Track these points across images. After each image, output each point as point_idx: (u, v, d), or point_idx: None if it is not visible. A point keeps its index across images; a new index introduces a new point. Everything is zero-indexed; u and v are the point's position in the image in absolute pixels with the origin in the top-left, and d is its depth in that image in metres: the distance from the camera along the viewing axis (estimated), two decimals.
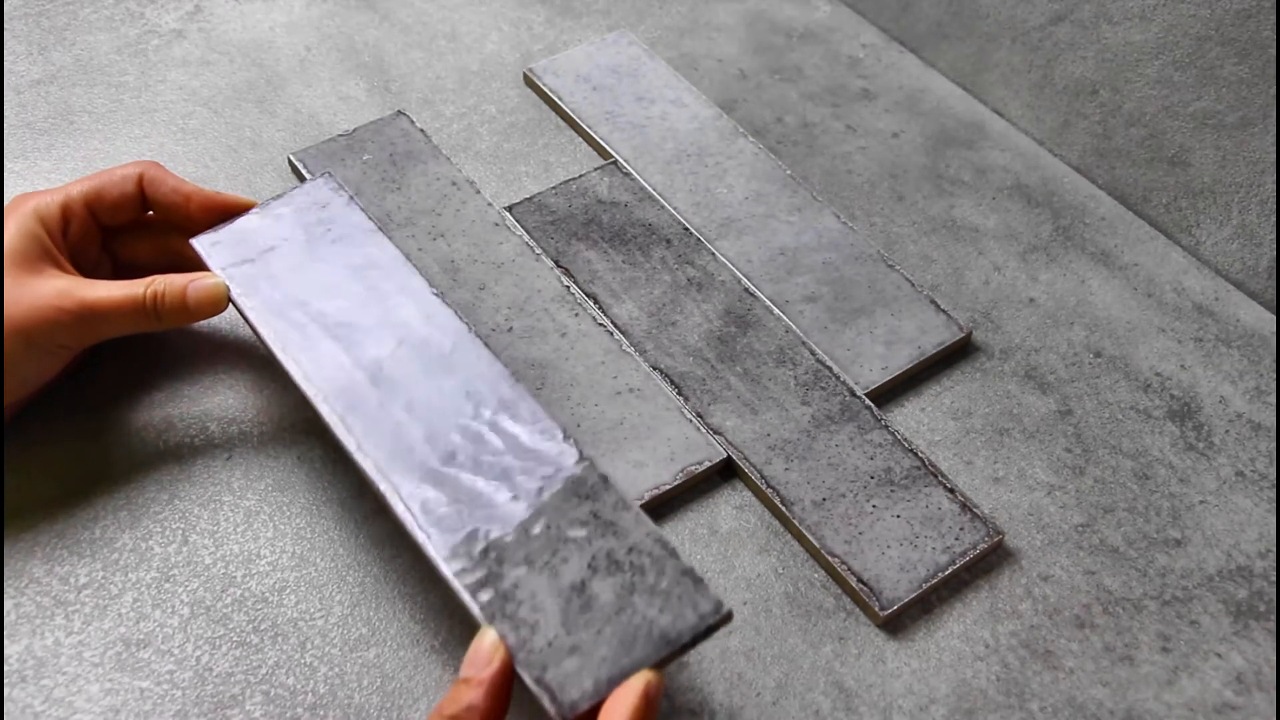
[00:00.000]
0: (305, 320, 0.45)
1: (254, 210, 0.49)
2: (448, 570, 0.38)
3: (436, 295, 0.45)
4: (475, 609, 0.37)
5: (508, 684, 0.36)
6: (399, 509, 0.40)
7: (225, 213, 0.48)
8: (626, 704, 0.35)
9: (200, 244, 0.47)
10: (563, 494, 0.40)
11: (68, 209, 0.46)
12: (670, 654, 0.37)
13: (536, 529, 0.39)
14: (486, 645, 0.37)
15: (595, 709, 0.36)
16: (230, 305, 0.46)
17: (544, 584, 0.38)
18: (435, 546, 0.39)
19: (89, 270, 0.48)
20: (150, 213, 0.50)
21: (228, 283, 0.46)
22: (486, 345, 0.44)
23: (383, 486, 0.40)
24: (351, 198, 0.49)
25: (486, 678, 0.36)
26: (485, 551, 0.38)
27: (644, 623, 0.37)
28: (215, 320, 0.53)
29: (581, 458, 0.40)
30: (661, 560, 0.38)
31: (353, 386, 0.43)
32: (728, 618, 0.37)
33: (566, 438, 0.41)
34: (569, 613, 0.37)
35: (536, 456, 0.41)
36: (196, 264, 0.48)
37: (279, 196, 0.49)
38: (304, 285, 0.46)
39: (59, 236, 0.46)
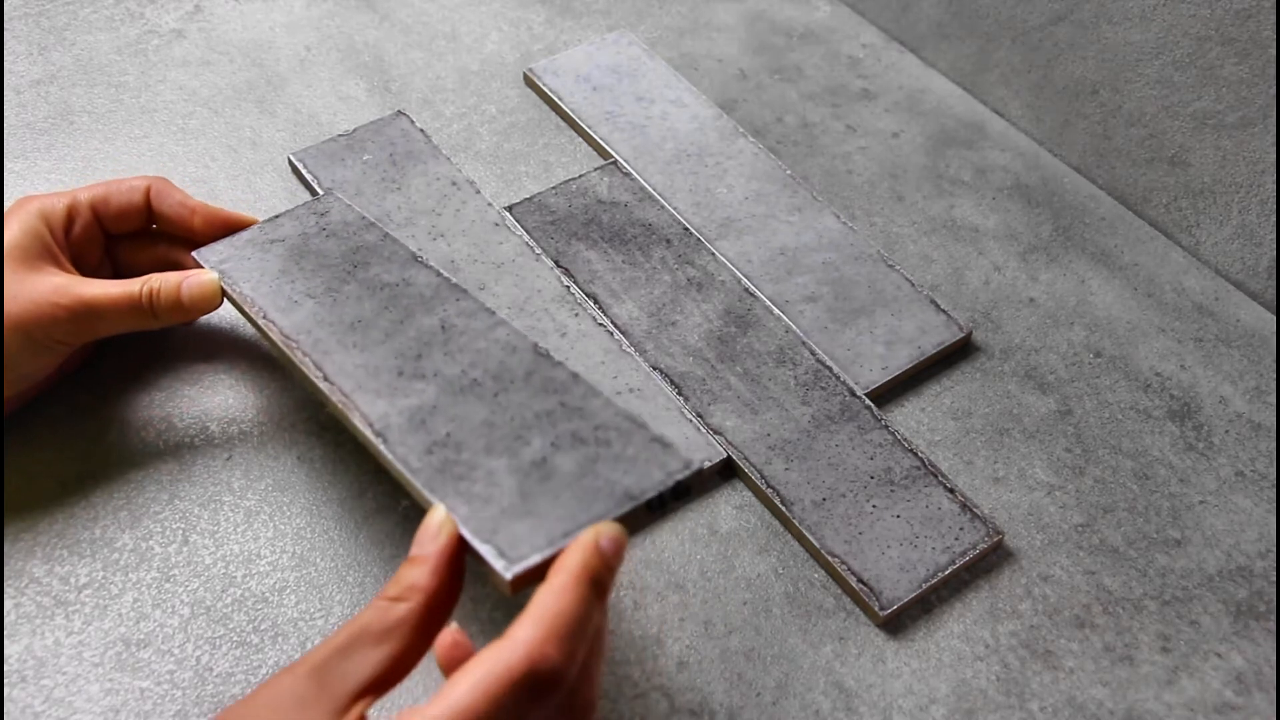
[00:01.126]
0: (291, 291, 0.45)
1: (255, 226, 0.49)
2: (402, 465, 0.36)
3: (419, 260, 0.46)
4: (427, 493, 0.35)
5: (456, 562, 0.34)
6: (357, 420, 0.39)
7: (229, 228, 0.49)
8: (575, 557, 0.33)
9: (201, 256, 0.48)
10: (531, 391, 0.39)
11: (73, 210, 0.47)
12: (635, 509, 0.34)
13: (500, 421, 0.38)
14: (434, 522, 0.35)
15: (547, 565, 0.33)
16: (225, 302, 0.46)
17: (503, 465, 0.36)
18: (390, 446, 0.37)
19: (90, 273, 0.48)
20: (154, 226, 0.50)
21: (222, 278, 0.46)
22: (466, 291, 0.44)
23: (345, 406, 0.39)
24: (350, 205, 0.49)
25: (431, 553, 0.34)
26: (444, 444, 0.37)
27: (605, 484, 0.35)
28: (215, 321, 0.53)
29: (554, 364, 0.39)
30: (629, 432, 0.36)
31: (329, 336, 0.43)
32: (699, 474, 0.35)
33: (540, 350, 0.40)
34: (527, 485, 0.35)
35: (508, 369, 0.40)
36: None
37: (281, 213, 0.49)
38: (293, 268, 0.46)
39: (61, 236, 0.46)
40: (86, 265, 0.48)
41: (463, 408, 0.38)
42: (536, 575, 0.33)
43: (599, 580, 0.33)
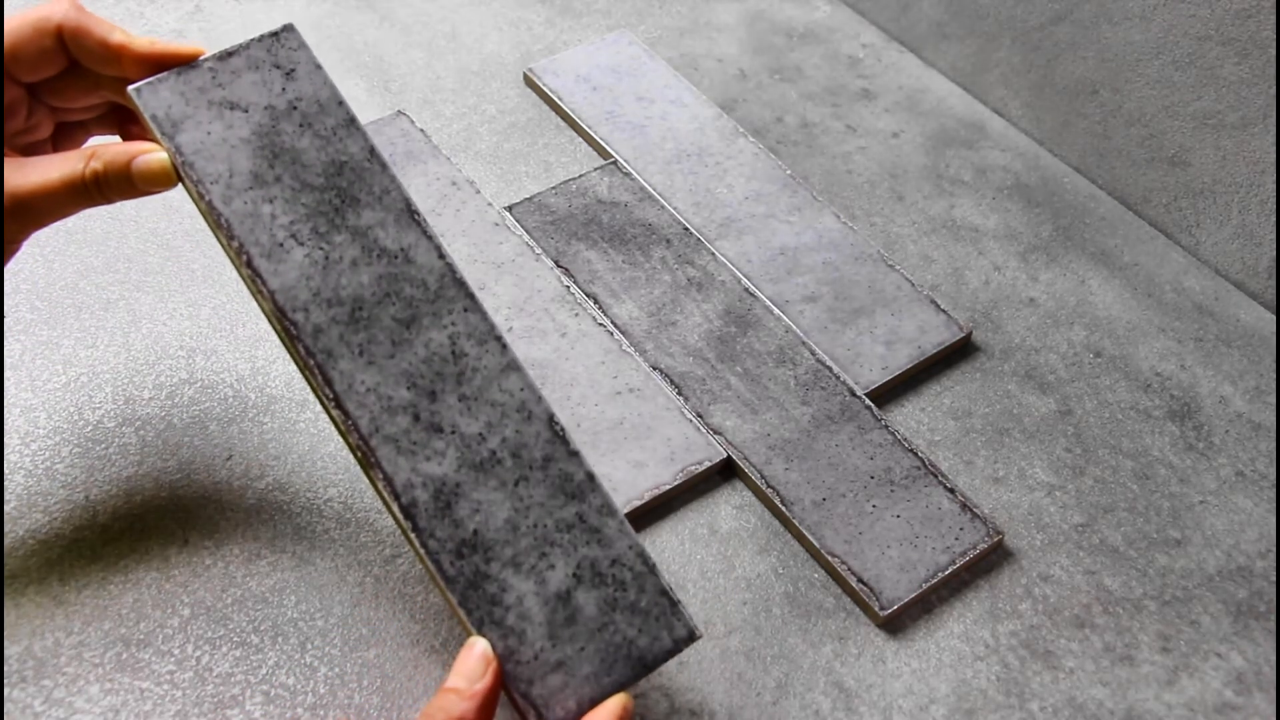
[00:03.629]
0: (272, 224, 0.40)
1: (205, 62, 0.41)
2: (434, 566, 0.38)
3: (417, 220, 0.41)
4: (464, 615, 0.37)
5: (497, 698, 0.36)
6: (383, 488, 0.38)
7: (167, 64, 0.41)
8: None
9: (142, 100, 0.40)
10: (550, 489, 0.39)
11: None
12: (643, 675, 0.38)
13: (524, 526, 0.39)
14: (477, 656, 0.36)
15: None
16: (180, 183, 0.41)
17: (530, 590, 0.38)
18: (421, 536, 0.38)
19: (21, 137, 0.43)
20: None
21: (176, 157, 0.40)
22: (470, 291, 0.41)
23: (366, 456, 0.38)
24: (319, 65, 0.42)
25: (479, 691, 0.36)
26: (473, 547, 0.38)
27: (623, 642, 0.38)
28: (215, 320, 0.53)
29: (570, 451, 0.40)
30: (642, 577, 0.39)
31: (330, 325, 0.39)
32: (695, 640, 0.39)
33: (556, 426, 0.40)
34: (554, 623, 0.38)
35: (525, 446, 0.40)
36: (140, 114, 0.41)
37: (233, 51, 0.42)
38: (269, 180, 0.40)
39: None
40: (14, 128, 0.43)
41: (485, 493, 0.39)
42: None
43: None
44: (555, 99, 0.65)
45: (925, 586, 0.46)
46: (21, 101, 0.43)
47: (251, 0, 0.70)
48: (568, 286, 0.55)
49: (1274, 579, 0.48)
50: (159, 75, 0.41)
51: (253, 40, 0.42)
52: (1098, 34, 0.61)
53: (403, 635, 0.44)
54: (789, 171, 0.62)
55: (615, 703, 0.37)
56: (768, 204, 0.60)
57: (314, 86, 0.42)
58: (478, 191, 0.59)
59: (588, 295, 0.55)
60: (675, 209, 0.59)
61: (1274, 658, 0.45)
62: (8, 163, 0.40)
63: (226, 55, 0.41)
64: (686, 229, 0.58)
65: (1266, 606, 0.47)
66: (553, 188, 0.60)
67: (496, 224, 0.57)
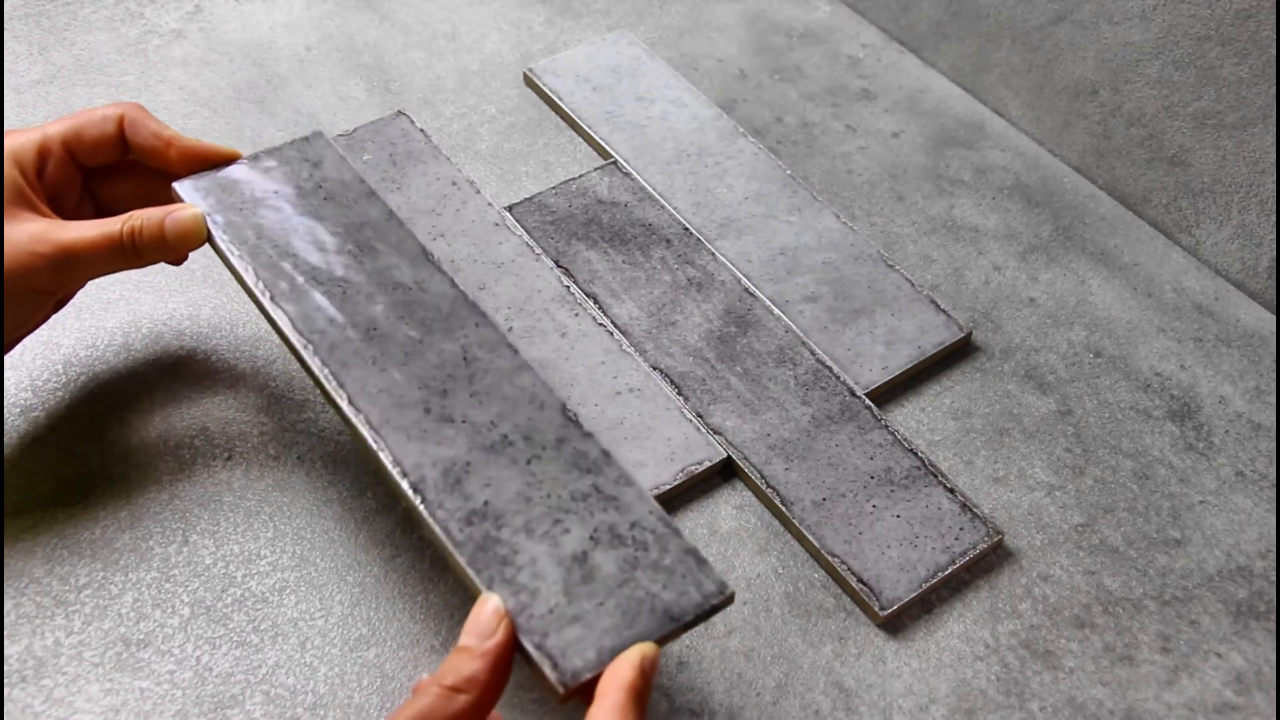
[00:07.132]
0: (294, 272, 0.43)
1: (242, 160, 0.46)
2: (442, 533, 0.37)
3: (431, 260, 0.44)
4: (473, 574, 0.36)
5: (510, 655, 0.35)
6: (392, 469, 0.39)
7: (208, 162, 0.46)
8: (623, 675, 0.34)
9: (183, 189, 0.45)
10: (563, 465, 0.39)
11: (44, 149, 0.45)
12: (672, 631, 0.36)
13: (536, 497, 0.38)
14: (488, 614, 0.35)
15: (594, 679, 0.35)
16: (209, 244, 0.45)
17: (544, 552, 0.37)
18: (429, 507, 0.38)
19: (70, 213, 0.46)
20: (131, 156, 0.48)
21: (211, 228, 0.44)
22: (482, 311, 0.43)
23: (375, 444, 0.39)
24: (344, 157, 0.47)
25: (490, 649, 0.34)
26: (483, 515, 0.37)
27: (647, 597, 0.36)
28: (215, 320, 0.53)
29: (584, 434, 0.39)
30: (665, 537, 0.37)
31: (345, 342, 0.41)
32: (730, 599, 0.37)
33: (569, 414, 0.40)
34: (570, 582, 0.36)
35: (538, 429, 0.40)
36: None
37: (268, 150, 0.47)
38: (293, 239, 0.44)
39: (34, 178, 0.44)
40: (65, 204, 0.46)
41: (496, 470, 0.38)
42: (584, 686, 0.35)
43: (642, 699, 0.34)
44: (555, 99, 0.65)
45: (925, 586, 0.46)
46: (75, 183, 0.46)
47: (251, 0, 0.70)
48: (568, 286, 0.55)
49: (1274, 579, 0.48)
50: (200, 173, 0.46)
51: (285, 144, 0.47)
52: (1098, 34, 0.61)
53: (403, 635, 0.44)
54: (789, 171, 0.62)
55: (634, 651, 0.35)
56: (768, 204, 0.60)
57: (339, 172, 0.46)
58: (478, 191, 0.59)
59: (588, 295, 0.55)
60: (675, 209, 0.59)
61: (1274, 658, 0.45)
62: (51, 222, 0.43)
63: (260, 155, 0.47)
64: (686, 229, 0.58)
65: (1266, 606, 0.47)
66: (553, 188, 0.60)
67: (496, 224, 0.57)
